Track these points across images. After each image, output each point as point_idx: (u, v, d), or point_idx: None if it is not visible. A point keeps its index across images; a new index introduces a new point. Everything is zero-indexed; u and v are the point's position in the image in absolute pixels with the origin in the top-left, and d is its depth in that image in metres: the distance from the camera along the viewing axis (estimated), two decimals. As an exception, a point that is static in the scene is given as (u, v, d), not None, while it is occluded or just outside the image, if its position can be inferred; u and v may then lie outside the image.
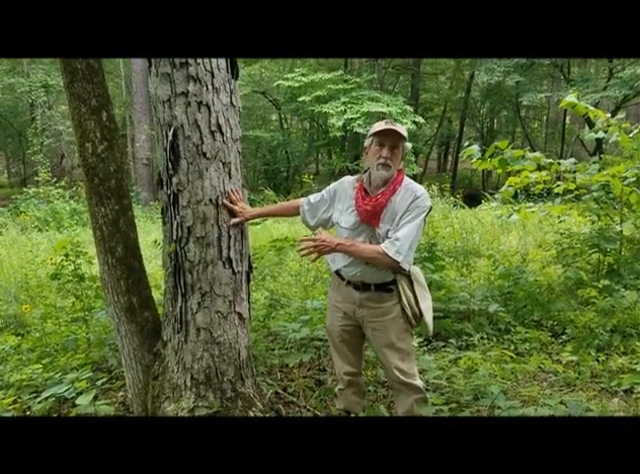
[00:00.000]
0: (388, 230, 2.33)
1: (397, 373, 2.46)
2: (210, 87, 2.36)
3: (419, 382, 2.53)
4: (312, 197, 2.63)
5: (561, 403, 2.71)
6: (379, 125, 2.34)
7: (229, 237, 2.49)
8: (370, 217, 2.36)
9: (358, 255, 2.33)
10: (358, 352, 2.68)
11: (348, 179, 2.56)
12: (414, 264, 2.48)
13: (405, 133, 2.34)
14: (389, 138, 2.32)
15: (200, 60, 2.31)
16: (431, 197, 2.44)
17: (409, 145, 2.42)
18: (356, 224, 2.40)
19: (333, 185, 2.60)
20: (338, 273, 2.52)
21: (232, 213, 2.50)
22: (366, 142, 2.43)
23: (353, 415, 2.71)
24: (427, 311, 2.46)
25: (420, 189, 2.38)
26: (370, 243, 2.37)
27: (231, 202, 2.49)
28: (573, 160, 4.51)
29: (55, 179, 14.03)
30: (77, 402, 2.58)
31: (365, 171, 2.48)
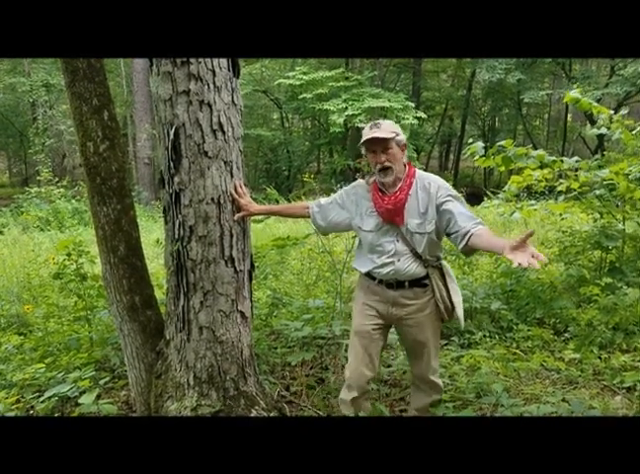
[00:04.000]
0: (418, 224, 2.31)
1: (429, 371, 2.48)
2: (212, 86, 2.36)
3: (440, 381, 2.57)
4: (323, 200, 2.60)
5: (563, 400, 2.71)
6: (365, 133, 2.30)
7: (231, 236, 2.49)
8: (393, 215, 2.33)
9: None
10: (379, 355, 2.61)
11: (360, 182, 2.53)
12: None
13: (392, 131, 2.28)
14: (377, 144, 2.30)
15: (201, 59, 2.31)
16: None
17: (403, 137, 2.35)
18: (378, 225, 2.38)
19: (345, 189, 2.57)
20: (368, 274, 2.47)
21: (237, 207, 2.49)
22: (362, 150, 2.40)
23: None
24: (458, 305, 2.45)
25: (437, 178, 2.38)
26: (398, 241, 2.36)
27: (237, 195, 2.48)
28: (576, 158, 4.50)
29: (57, 178, 14.03)
30: (80, 401, 2.58)
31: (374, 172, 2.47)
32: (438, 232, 2.35)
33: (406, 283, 2.40)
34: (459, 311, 2.45)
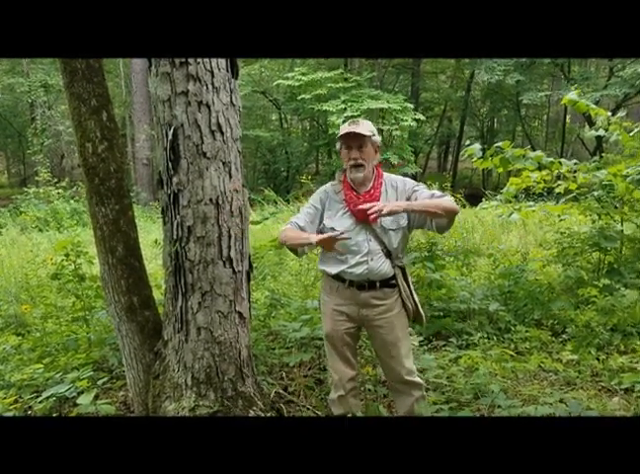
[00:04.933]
0: (391, 220, 2.37)
1: (403, 372, 2.48)
2: (210, 86, 2.36)
3: (419, 379, 2.57)
4: (300, 222, 2.48)
5: (561, 402, 2.72)
6: (343, 128, 2.36)
7: (229, 237, 2.49)
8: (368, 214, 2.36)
9: (439, 207, 2.25)
10: (356, 354, 2.70)
11: (327, 186, 2.55)
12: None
13: (369, 130, 2.35)
14: (354, 140, 2.35)
15: (199, 59, 2.31)
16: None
17: (378, 139, 2.43)
18: (352, 225, 2.41)
19: (314, 198, 2.54)
20: (338, 276, 2.49)
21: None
22: (337, 145, 2.45)
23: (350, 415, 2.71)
24: (418, 302, 2.55)
25: (401, 178, 2.50)
26: (371, 240, 2.40)
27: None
28: (574, 161, 4.51)
29: (55, 179, 14.03)
30: (78, 401, 2.58)
31: (344, 171, 2.50)
32: (410, 225, 2.45)
33: (377, 284, 2.44)
34: (420, 308, 2.55)
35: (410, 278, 2.55)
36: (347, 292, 2.49)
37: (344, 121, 16.39)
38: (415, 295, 2.53)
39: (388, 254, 2.43)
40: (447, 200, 2.32)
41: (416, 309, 2.53)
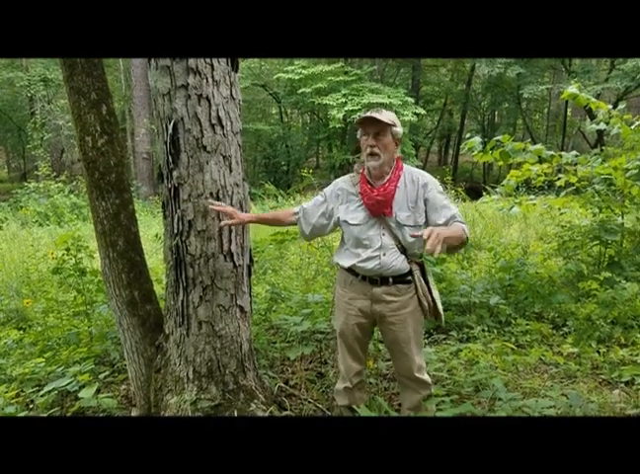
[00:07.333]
0: (408, 216, 2.31)
1: (413, 369, 2.46)
2: (210, 80, 2.35)
3: (428, 377, 2.54)
4: (305, 205, 2.54)
5: (562, 395, 2.72)
6: (363, 114, 2.30)
7: (230, 230, 2.49)
8: (383, 207, 2.32)
9: (457, 239, 2.22)
10: (366, 349, 2.65)
11: (342, 179, 2.51)
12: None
13: (390, 118, 2.27)
14: (372, 126, 2.27)
15: (199, 53, 2.30)
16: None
17: (399, 130, 2.34)
18: (366, 219, 2.36)
19: (328, 188, 2.52)
20: (350, 269, 2.44)
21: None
22: (358, 134, 2.38)
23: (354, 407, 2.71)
24: (438, 300, 2.46)
25: (425, 173, 2.41)
26: (384, 235, 2.35)
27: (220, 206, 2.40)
28: (574, 153, 4.51)
29: (55, 173, 14.04)
30: (80, 395, 2.60)
31: (363, 163, 2.47)
32: (427, 224, 2.36)
33: (390, 279, 2.38)
34: (439, 306, 2.46)
35: (429, 276, 2.46)
36: (359, 286, 2.44)
37: (344, 116, 16.43)
38: (434, 293, 2.44)
39: (403, 249, 2.36)
40: (463, 230, 2.26)
41: (434, 307, 2.44)
